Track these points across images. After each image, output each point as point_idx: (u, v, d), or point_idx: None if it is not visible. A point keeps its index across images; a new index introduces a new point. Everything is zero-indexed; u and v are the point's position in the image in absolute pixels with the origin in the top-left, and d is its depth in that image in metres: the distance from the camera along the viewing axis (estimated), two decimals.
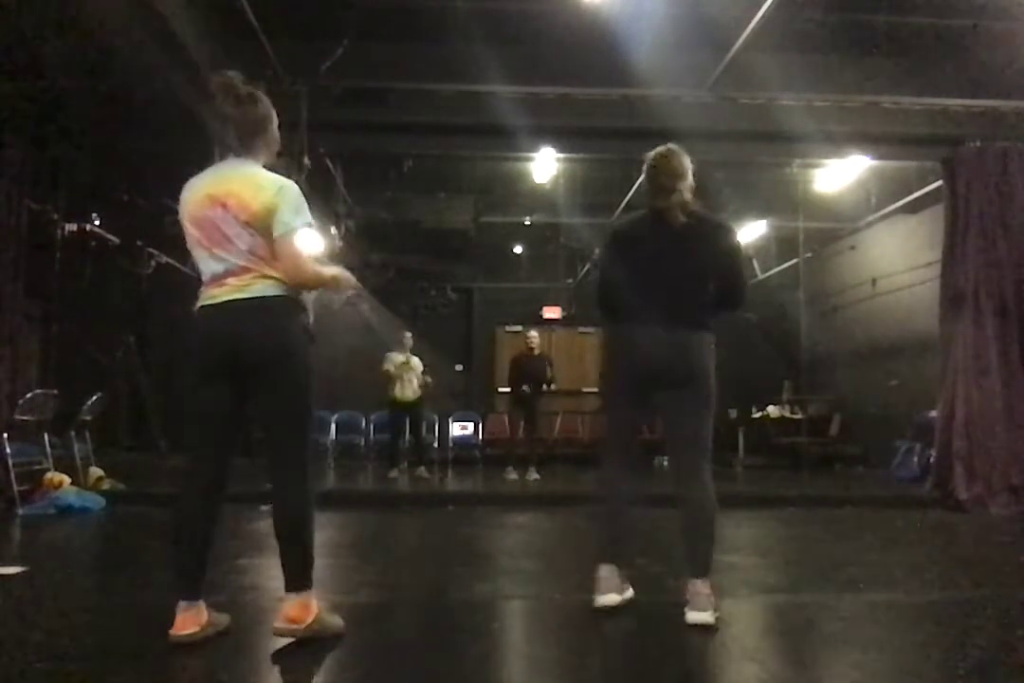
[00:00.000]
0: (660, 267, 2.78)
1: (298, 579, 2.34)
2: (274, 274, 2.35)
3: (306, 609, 2.33)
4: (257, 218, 2.31)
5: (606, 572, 2.64)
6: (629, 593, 2.62)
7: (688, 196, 2.82)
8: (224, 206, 2.32)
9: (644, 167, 2.89)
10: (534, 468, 8.01)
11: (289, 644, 2.32)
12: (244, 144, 2.43)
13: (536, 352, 8.26)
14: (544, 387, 8.09)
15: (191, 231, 2.38)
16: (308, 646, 2.32)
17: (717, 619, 2.58)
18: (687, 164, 2.86)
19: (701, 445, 2.75)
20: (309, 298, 2.64)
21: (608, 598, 2.55)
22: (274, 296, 2.34)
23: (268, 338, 2.33)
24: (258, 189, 2.34)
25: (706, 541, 2.67)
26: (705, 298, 2.80)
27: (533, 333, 8.44)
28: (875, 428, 9.54)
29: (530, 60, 6.68)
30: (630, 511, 2.79)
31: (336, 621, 2.45)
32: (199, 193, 2.37)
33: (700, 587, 2.61)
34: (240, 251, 2.33)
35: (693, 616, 2.56)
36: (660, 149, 2.89)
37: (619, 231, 2.99)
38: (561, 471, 8.08)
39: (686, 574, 2.65)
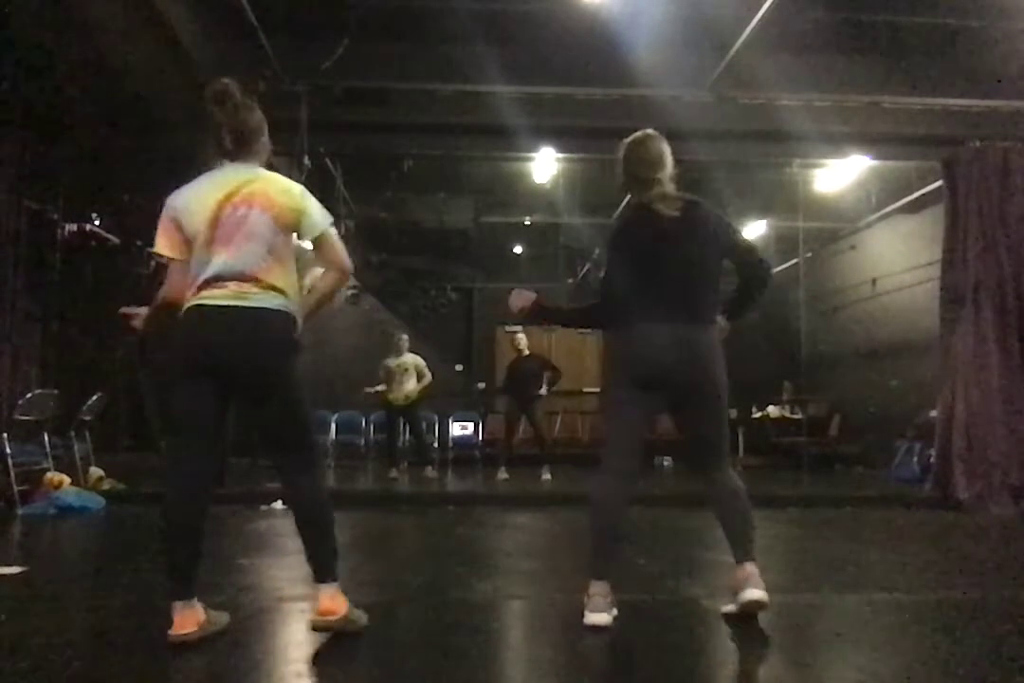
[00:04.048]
0: (661, 262, 2.69)
1: (327, 569, 2.40)
2: (279, 285, 2.37)
3: (338, 599, 2.37)
4: (283, 216, 2.38)
5: (598, 589, 2.59)
6: (614, 612, 2.59)
7: (670, 184, 2.74)
8: (249, 205, 2.36)
9: (620, 156, 2.79)
10: (547, 468, 7.94)
11: (288, 644, 2.32)
12: (241, 150, 2.45)
13: (526, 353, 8.09)
14: (540, 389, 7.93)
15: (203, 232, 2.35)
16: (307, 646, 2.32)
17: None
18: (664, 149, 2.76)
19: (723, 441, 2.79)
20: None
21: (599, 618, 2.53)
22: (274, 309, 2.35)
23: (262, 352, 2.34)
24: (284, 191, 2.42)
25: (748, 524, 2.73)
26: (711, 291, 2.73)
27: (520, 334, 8.22)
28: (875, 428, 9.54)
29: (530, 60, 6.69)
30: (625, 520, 2.73)
31: (361, 615, 2.49)
32: (217, 194, 2.37)
33: (751, 569, 2.63)
34: (255, 255, 2.34)
35: (751, 594, 2.57)
36: (635, 136, 2.80)
37: (618, 229, 2.89)
38: (561, 471, 8.08)
39: (735, 560, 2.68)
